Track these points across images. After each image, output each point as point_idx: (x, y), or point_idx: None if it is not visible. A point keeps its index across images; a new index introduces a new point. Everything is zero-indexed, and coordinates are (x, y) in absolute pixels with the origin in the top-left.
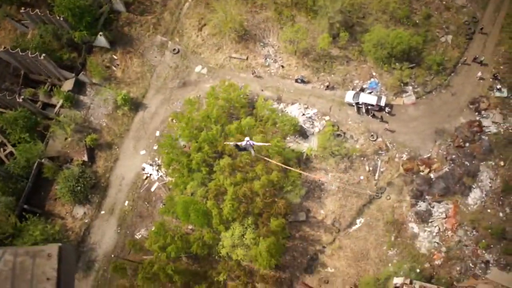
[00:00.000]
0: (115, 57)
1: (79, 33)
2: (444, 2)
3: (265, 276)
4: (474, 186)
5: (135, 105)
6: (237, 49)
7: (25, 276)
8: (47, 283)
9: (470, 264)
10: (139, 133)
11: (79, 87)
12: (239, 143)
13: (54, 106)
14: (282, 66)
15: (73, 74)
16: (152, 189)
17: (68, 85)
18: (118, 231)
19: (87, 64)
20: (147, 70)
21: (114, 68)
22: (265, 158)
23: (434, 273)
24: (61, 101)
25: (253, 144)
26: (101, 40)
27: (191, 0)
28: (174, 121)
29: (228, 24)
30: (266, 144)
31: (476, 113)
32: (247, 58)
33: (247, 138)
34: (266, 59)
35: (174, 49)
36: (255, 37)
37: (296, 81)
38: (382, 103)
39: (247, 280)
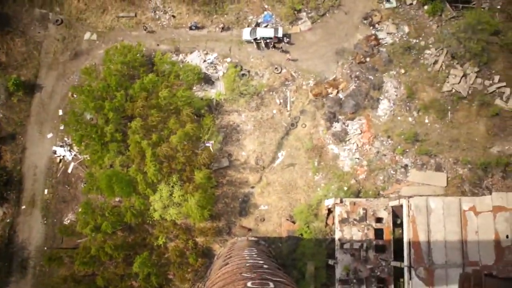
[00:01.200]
0: None
1: None
2: None
3: (202, 229)
4: (381, 98)
5: (30, 88)
6: (123, 7)
7: None
8: None
9: (391, 171)
10: (41, 116)
11: None
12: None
13: None
14: (173, 16)
15: None
16: (69, 171)
17: None
18: (45, 222)
19: None
20: (33, 48)
21: None
22: None
23: (361, 187)
24: None
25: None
26: None
27: None
28: (74, 95)
29: None
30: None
31: (371, 27)
32: (135, 15)
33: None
34: (155, 12)
35: (56, 20)
36: None
37: (190, 28)
38: (280, 34)
39: (186, 237)
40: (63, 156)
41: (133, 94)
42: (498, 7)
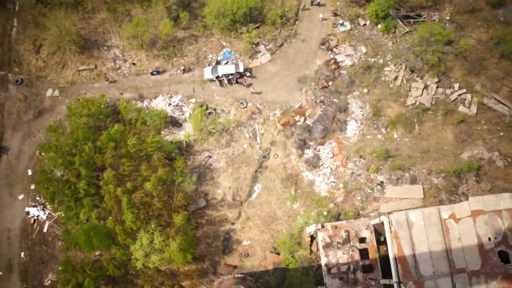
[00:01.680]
0: None
1: None
2: None
3: (187, 272)
4: (348, 119)
5: None
6: (83, 61)
7: None
8: None
9: (368, 190)
10: (10, 178)
11: None
12: None
13: None
14: (134, 64)
15: None
16: (45, 230)
17: None
18: (24, 286)
19: None
20: None
21: None
22: None
23: (340, 210)
24: None
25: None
26: None
27: (17, 24)
28: (42, 153)
29: (65, 38)
30: None
31: (329, 52)
32: (96, 67)
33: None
34: (115, 61)
35: (16, 81)
36: (97, 43)
37: (152, 73)
38: (241, 69)
39: (172, 282)
40: (37, 216)
41: (102, 146)
42: (448, 18)
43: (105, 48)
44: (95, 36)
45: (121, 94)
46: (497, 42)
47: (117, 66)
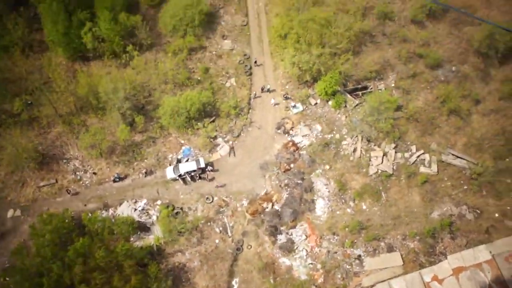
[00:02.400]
0: None
1: None
2: (214, 52)
3: None
4: (315, 198)
5: None
6: (43, 176)
7: None
8: None
9: (347, 266)
10: None
11: None
12: None
13: None
14: (95, 173)
15: None
16: None
17: None
18: None
19: None
20: None
21: None
22: None
23: None
24: None
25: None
26: None
27: None
28: (7, 279)
29: (22, 155)
30: None
31: (286, 135)
32: (56, 181)
33: None
34: (75, 173)
35: None
36: (56, 156)
37: (114, 181)
38: (202, 165)
39: None
40: None
41: (70, 262)
42: (392, 85)
43: (64, 161)
44: (53, 150)
45: (85, 205)
46: (442, 100)
47: (78, 177)
